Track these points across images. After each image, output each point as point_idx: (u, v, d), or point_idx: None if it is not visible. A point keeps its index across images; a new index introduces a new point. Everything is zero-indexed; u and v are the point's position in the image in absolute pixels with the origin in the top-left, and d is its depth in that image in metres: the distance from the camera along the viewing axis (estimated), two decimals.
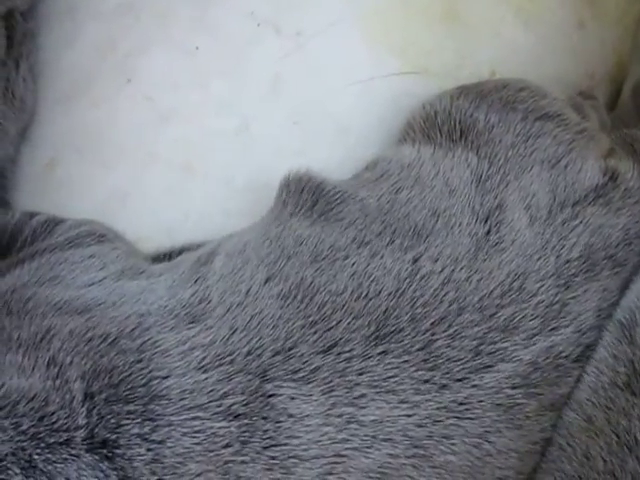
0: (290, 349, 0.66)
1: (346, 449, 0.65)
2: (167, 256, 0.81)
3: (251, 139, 0.85)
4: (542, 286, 0.70)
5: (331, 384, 0.65)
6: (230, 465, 0.63)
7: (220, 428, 0.63)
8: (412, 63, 0.85)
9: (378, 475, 0.65)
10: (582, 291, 0.71)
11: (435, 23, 0.86)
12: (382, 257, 0.70)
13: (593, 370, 0.69)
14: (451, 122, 0.77)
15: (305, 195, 0.74)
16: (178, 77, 0.85)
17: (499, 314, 0.68)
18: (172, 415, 0.63)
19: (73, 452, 0.61)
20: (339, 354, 0.66)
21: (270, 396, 0.65)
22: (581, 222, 0.72)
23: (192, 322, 0.68)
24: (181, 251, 0.81)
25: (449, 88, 0.82)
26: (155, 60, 0.85)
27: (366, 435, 0.65)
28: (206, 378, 0.65)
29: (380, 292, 0.68)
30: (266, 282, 0.69)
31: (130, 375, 0.64)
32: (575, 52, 0.90)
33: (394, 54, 0.85)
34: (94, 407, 0.63)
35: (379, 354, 0.66)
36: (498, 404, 0.67)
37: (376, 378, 0.66)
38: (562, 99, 0.81)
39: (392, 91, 0.85)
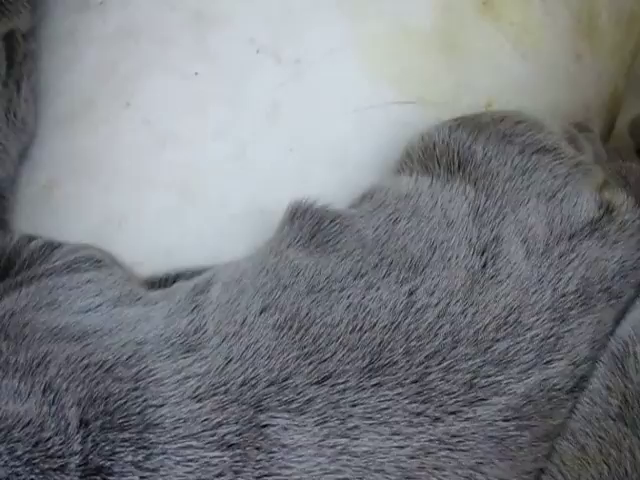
0: (285, 380, 0.66)
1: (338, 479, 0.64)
2: (163, 281, 0.81)
3: (248, 165, 0.84)
4: (538, 320, 0.69)
5: (325, 415, 0.65)
6: None
7: (213, 457, 0.63)
8: (409, 92, 0.85)
9: None
10: (577, 324, 0.70)
11: (433, 53, 0.86)
12: (378, 289, 0.70)
13: (587, 401, 0.69)
14: (449, 154, 0.77)
15: (305, 227, 0.74)
16: (177, 102, 0.85)
17: (494, 348, 0.68)
18: (166, 444, 0.63)
19: (67, 478, 0.61)
20: (333, 385, 0.66)
21: (264, 426, 0.64)
22: (577, 255, 0.72)
23: (188, 351, 0.68)
24: (177, 277, 0.81)
25: (446, 118, 0.82)
26: (154, 84, 0.85)
27: (358, 466, 0.65)
28: (200, 407, 0.64)
29: (375, 325, 0.68)
30: (262, 312, 0.69)
31: (125, 403, 0.64)
32: (572, 84, 0.91)
33: (391, 83, 0.85)
34: (89, 434, 0.62)
35: (373, 386, 0.66)
36: (491, 436, 0.67)
37: (369, 410, 0.65)
38: (558, 132, 0.81)
39: (389, 120, 0.85)
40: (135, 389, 0.65)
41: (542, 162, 0.77)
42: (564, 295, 0.71)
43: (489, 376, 0.67)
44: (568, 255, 0.72)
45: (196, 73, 0.85)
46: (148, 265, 0.83)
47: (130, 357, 0.67)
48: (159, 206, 0.84)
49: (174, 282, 0.79)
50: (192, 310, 0.71)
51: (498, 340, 0.68)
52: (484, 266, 0.71)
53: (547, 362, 0.69)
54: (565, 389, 0.69)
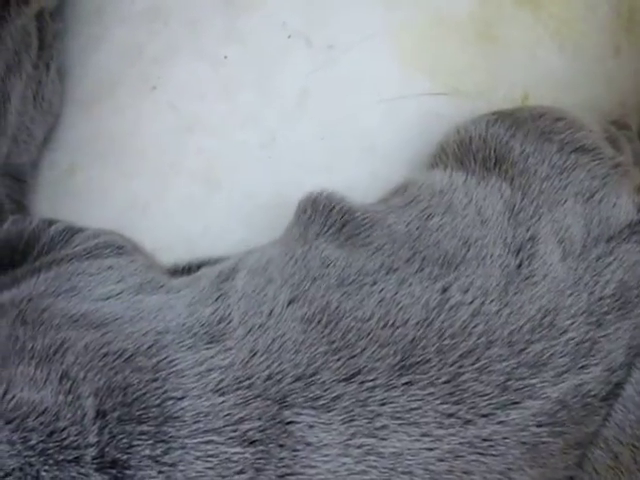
0: (311, 375, 0.65)
1: None
2: (186, 269, 0.80)
3: (276, 153, 0.84)
4: (573, 323, 0.68)
5: (352, 413, 0.64)
6: None
7: (234, 454, 0.62)
8: (443, 83, 0.85)
9: None
10: (614, 329, 0.69)
11: (469, 43, 0.85)
12: (410, 285, 0.69)
13: (621, 408, 0.68)
14: (486, 150, 0.76)
15: (334, 216, 0.73)
16: (204, 86, 0.84)
17: (528, 350, 0.67)
18: (186, 438, 0.62)
19: (82, 471, 0.60)
20: (362, 383, 0.65)
21: (288, 423, 0.63)
22: (615, 259, 0.71)
23: (211, 342, 0.67)
24: (200, 265, 0.79)
25: (481, 111, 0.81)
26: (182, 68, 0.84)
27: (385, 467, 0.64)
28: (222, 401, 0.63)
29: (407, 321, 0.67)
30: (290, 304, 0.68)
31: (144, 394, 0.63)
32: (609, 79, 0.90)
33: (425, 73, 0.84)
34: (106, 425, 0.61)
35: (403, 385, 0.65)
36: (523, 442, 0.66)
37: (399, 409, 0.64)
38: (597, 131, 0.79)
39: (421, 111, 0.84)
40: (155, 380, 0.64)
41: (581, 162, 0.75)
42: (601, 299, 0.69)
43: (523, 378, 0.66)
44: (606, 258, 0.71)
45: (225, 57, 0.84)
46: (171, 253, 0.82)
47: (150, 347, 0.66)
48: (183, 193, 0.84)
49: (197, 270, 0.78)
50: (217, 299, 0.70)
51: (533, 342, 0.67)
52: (519, 266, 0.70)
53: (582, 367, 0.68)
54: (599, 396, 0.68)
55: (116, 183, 0.84)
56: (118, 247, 0.78)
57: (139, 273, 0.75)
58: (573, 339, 0.68)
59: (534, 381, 0.66)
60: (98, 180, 0.85)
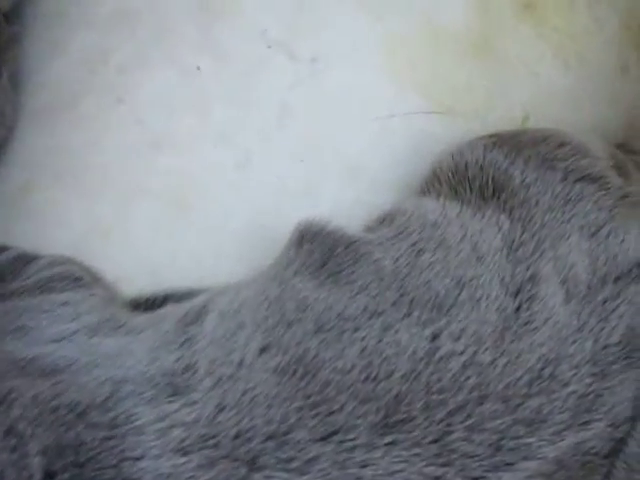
0: (285, 434, 0.61)
1: None
2: (150, 302, 0.77)
3: (252, 175, 0.81)
4: (576, 374, 0.64)
5: (329, 476, 0.60)
6: None
7: None
8: (437, 101, 0.82)
9: None
10: (619, 380, 0.65)
11: (466, 58, 0.82)
12: (397, 332, 0.65)
13: (623, 466, 0.64)
14: (483, 177, 0.73)
15: (316, 253, 0.69)
16: (175, 100, 0.81)
17: (525, 405, 0.63)
18: None
19: None
20: (341, 442, 0.61)
21: None
22: (623, 301, 0.67)
23: (174, 394, 0.63)
24: (166, 297, 0.76)
25: (477, 131, 0.78)
26: (150, 79, 0.81)
27: None
28: (185, 462, 0.59)
29: (392, 373, 0.63)
30: (262, 352, 0.64)
31: (99, 454, 0.59)
32: (616, 98, 0.86)
33: (418, 90, 0.82)
34: None
35: (386, 445, 0.61)
36: None
37: (381, 472, 0.60)
38: (604, 158, 0.75)
39: (413, 131, 0.82)
40: (111, 438, 0.60)
41: (586, 192, 0.71)
42: (606, 347, 0.65)
43: (518, 437, 0.62)
44: (613, 301, 0.67)
45: (198, 68, 0.81)
46: (134, 283, 0.79)
47: (107, 399, 0.62)
48: (150, 217, 0.80)
49: (162, 304, 0.75)
50: (182, 344, 0.66)
51: (530, 396, 0.63)
52: (518, 309, 0.66)
53: (583, 423, 0.63)
54: (601, 453, 0.64)
55: (75, 204, 0.81)
56: (75, 279, 0.74)
57: (97, 310, 0.71)
58: (575, 392, 0.64)
59: (530, 440, 0.62)
60: (55, 200, 0.81)
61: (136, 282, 0.79)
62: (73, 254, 0.78)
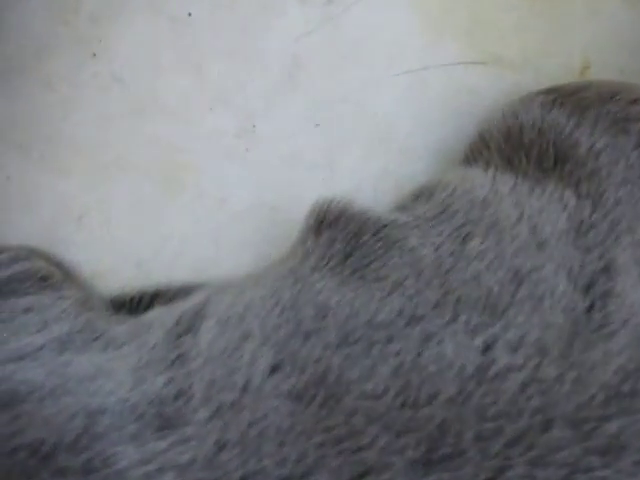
0: (302, 477, 0.55)
1: None
2: (135, 302, 0.72)
3: (256, 144, 0.77)
4: None
5: None
6: None
7: None
8: (480, 49, 0.78)
9: None
10: None
11: None
12: (440, 342, 0.59)
13: None
14: (542, 143, 0.68)
15: (338, 242, 0.65)
16: (161, 54, 0.77)
17: (600, 430, 0.56)
18: None
19: None
20: None
21: None
22: None
23: (164, 428, 0.57)
24: (155, 296, 0.72)
25: (528, 85, 0.75)
26: (131, 28, 0.77)
27: None
28: None
29: (435, 397, 0.57)
30: (273, 372, 0.59)
31: None
32: None
33: (456, 36, 0.77)
34: None
35: None
36: None
37: None
38: None
39: (451, 86, 0.77)
40: None
41: None
42: None
43: (592, 470, 0.55)
44: None
45: (190, 14, 0.77)
46: (115, 277, 0.75)
47: (79, 436, 0.57)
48: (133, 197, 0.76)
49: (150, 304, 0.71)
50: (172, 362, 0.61)
51: (606, 419, 0.57)
52: (590, 309, 0.60)
53: None
54: None
55: (44, 182, 0.76)
56: (42, 278, 0.68)
57: (68, 317, 0.66)
58: None
59: (606, 473, 0.56)
60: (20, 178, 0.76)
61: (117, 276, 0.76)
62: (40, 244, 0.74)
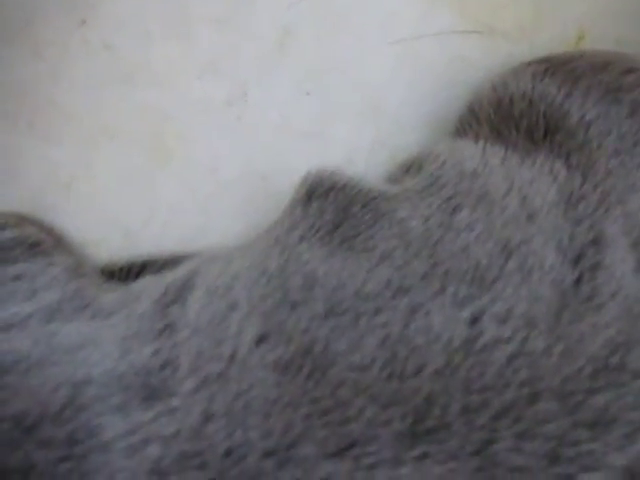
0: (288, 449, 0.55)
1: None
2: (124, 272, 0.71)
3: (247, 113, 0.76)
4: None
5: None
6: None
7: None
8: (474, 18, 0.77)
9: None
10: None
11: None
12: (427, 314, 0.58)
13: None
14: (532, 114, 0.67)
15: (327, 213, 0.65)
16: (151, 21, 0.76)
17: (587, 403, 0.56)
18: None
19: None
20: (358, 458, 0.54)
21: None
22: None
23: (149, 399, 0.57)
24: (144, 266, 0.71)
25: (521, 55, 0.74)
26: None
27: None
28: None
29: (422, 368, 0.57)
30: (259, 342, 0.58)
31: (54, 479, 0.54)
32: None
33: (450, 5, 0.77)
34: None
35: (415, 459, 0.54)
36: None
37: None
38: None
39: (444, 56, 0.77)
40: (69, 458, 0.55)
41: None
42: None
43: (579, 444, 0.55)
44: None
45: None
46: (104, 246, 0.74)
47: (64, 407, 0.56)
48: (122, 165, 0.76)
49: (140, 274, 0.70)
50: (160, 332, 0.60)
51: (594, 392, 0.56)
52: (578, 281, 0.59)
53: None
54: None
55: (32, 150, 0.75)
56: (32, 244, 0.67)
57: (58, 284, 0.65)
58: None
59: (594, 446, 0.56)
60: (8, 146, 0.75)
61: (106, 245, 0.75)
62: (29, 211, 0.74)
